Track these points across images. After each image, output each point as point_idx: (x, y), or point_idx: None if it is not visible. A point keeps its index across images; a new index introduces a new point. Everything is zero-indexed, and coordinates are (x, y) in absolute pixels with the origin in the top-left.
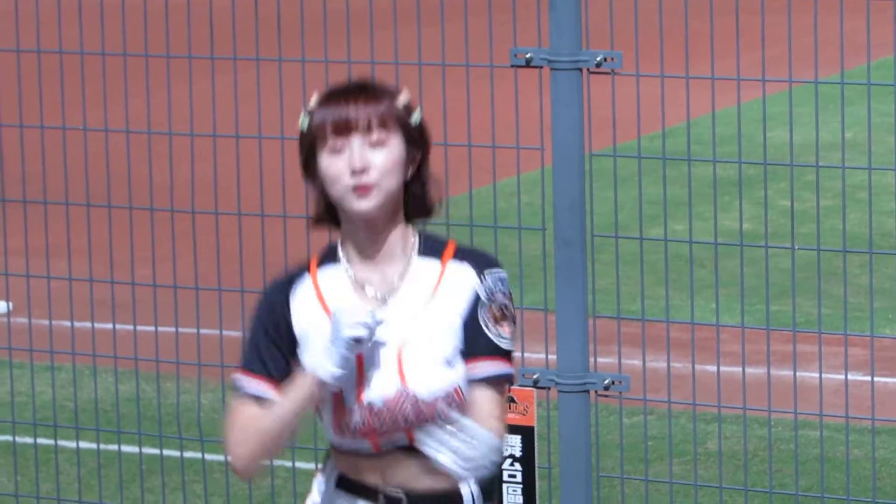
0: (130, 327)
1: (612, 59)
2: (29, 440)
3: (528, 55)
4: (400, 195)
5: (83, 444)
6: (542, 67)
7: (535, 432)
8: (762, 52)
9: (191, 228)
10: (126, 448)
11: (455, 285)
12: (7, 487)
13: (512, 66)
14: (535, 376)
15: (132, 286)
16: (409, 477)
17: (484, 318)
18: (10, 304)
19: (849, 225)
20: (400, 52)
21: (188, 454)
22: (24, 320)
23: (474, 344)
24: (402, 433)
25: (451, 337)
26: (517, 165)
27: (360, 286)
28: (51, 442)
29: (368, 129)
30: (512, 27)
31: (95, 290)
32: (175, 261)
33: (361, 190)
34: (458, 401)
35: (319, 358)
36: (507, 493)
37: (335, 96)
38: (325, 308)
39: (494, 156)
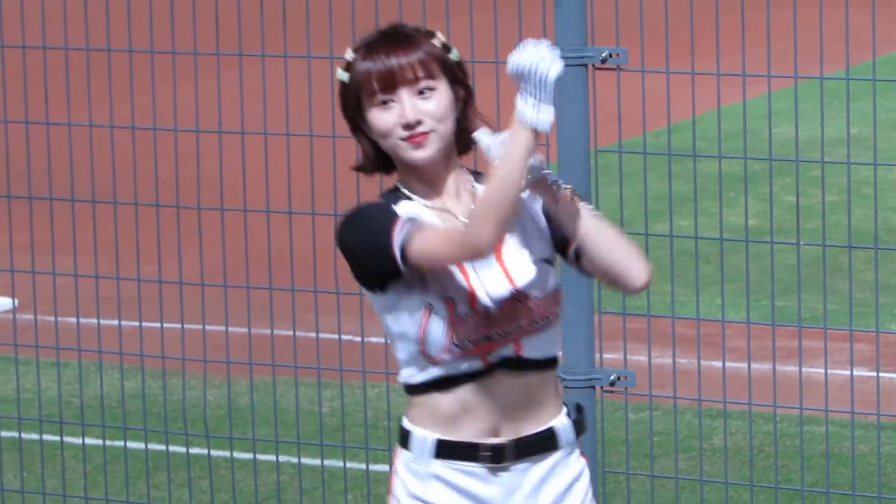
0: (136, 324)
1: (618, 55)
2: (35, 436)
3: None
4: (450, 139)
5: (89, 441)
6: None
7: None
8: (767, 47)
9: (196, 225)
10: (132, 444)
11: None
12: (13, 484)
13: None
14: None
15: (138, 283)
16: (509, 413)
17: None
18: (16, 300)
19: (854, 220)
20: None
21: (194, 450)
22: (30, 317)
23: (562, 213)
24: (510, 343)
25: (543, 237)
26: None
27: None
28: (56, 438)
29: (415, 79)
30: (517, 23)
31: (101, 287)
32: (181, 257)
33: (416, 140)
34: (559, 305)
35: (528, 110)
36: None
37: (374, 48)
38: None
39: None
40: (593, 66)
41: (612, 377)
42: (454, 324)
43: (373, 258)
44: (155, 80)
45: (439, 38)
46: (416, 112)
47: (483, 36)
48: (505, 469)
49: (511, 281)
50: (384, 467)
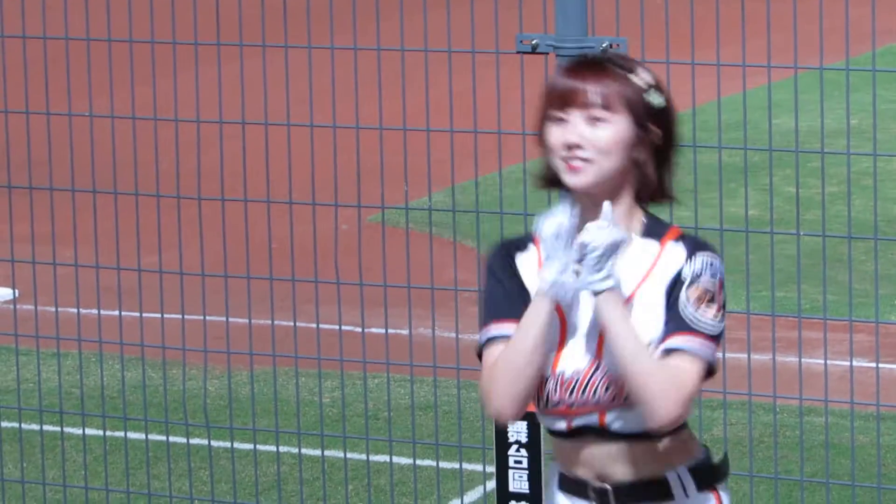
0: (136, 314)
1: (618, 45)
2: (35, 427)
3: (533, 41)
4: (625, 175)
5: (89, 431)
6: (547, 54)
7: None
8: (768, 38)
9: (197, 215)
10: (132, 435)
11: (667, 266)
12: (13, 474)
13: (518, 52)
14: None
15: (138, 273)
16: (607, 464)
17: (684, 298)
18: (16, 290)
19: (854, 211)
20: (406, 38)
21: (194, 441)
22: (30, 307)
23: (670, 320)
24: (593, 413)
25: (657, 320)
26: (523, 152)
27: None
28: (57, 429)
29: (589, 105)
30: (518, 13)
31: (101, 277)
32: (181, 248)
33: (572, 165)
34: None
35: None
36: (513, 479)
37: (571, 67)
38: None
39: (500, 142)
40: None
41: None
42: (539, 381)
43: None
44: (155, 70)
45: (643, 78)
46: (578, 136)
47: (484, 26)
48: None
49: (599, 356)
50: (384, 458)
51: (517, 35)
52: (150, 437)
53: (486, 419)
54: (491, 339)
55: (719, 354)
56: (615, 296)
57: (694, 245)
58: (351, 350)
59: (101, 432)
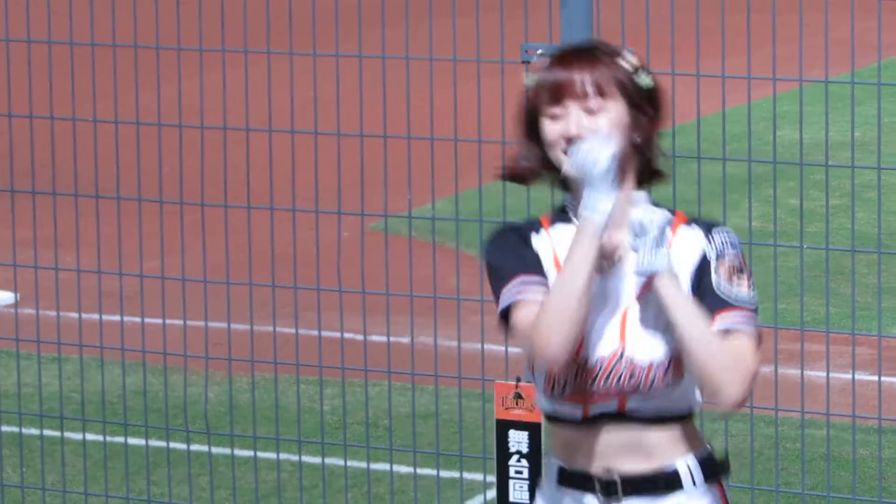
0: (138, 319)
1: None
2: (35, 431)
3: (539, 51)
4: (627, 160)
5: (89, 436)
6: None
7: (543, 428)
8: (773, 50)
9: (200, 221)
10: (132, 440)
11: (685, 249)
12: (13, 479)
13: (523, 61)
14: None
15: (140, 278)
16: (619, 454)
17: (716, 277)
18: (18, 294)
19: (857, 224)
20: (411, 46)
21: (194, 447)
22: (32, 311)
23: (707, 302)
24: (613, 399)
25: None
26: None
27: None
28: (57, 433)
29: (585, 95)
30: (523, 22)
31: (103, 282)
32: (184, 253)
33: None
34: (675, 374)
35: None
36: (514, 490)
37: (557, 59)
38: (557, 264)
39: (504, 151)
40: None
41: None
42: (552, 368)
43: (493, 293)
44: (160, 75)
45: (629, 60)
46: (579, 127)
47: (490, 35)
48: (619, 503)
49: (623, 343)
50: (384, 466)
51: (522, 45)
52: (151, 442)
53: (487, 428)
54: (525, 297)
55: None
56: (673, 276)
57: (707, 225)
58: (352, 358)
59: (101, 437)
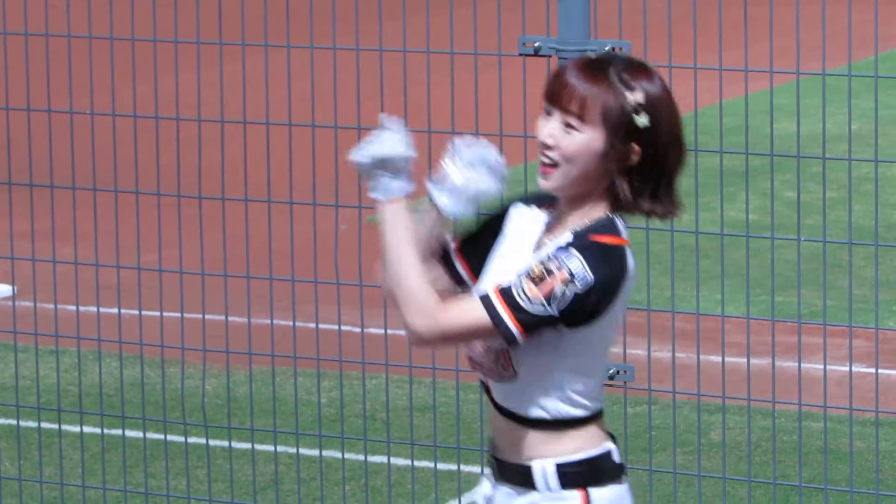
0: (136, 312)
1: (621, 48)
2: (32, 424)
3: (536, 44)
4: (597, 183)
5: (87, 429)
6: (550, 56)
7: None
8: (770, 43)
9: (197, 214)
10: (130, 433)
11: (547, 242)
12: (10, 471)
13: (520, 54)
14: None
15: (138, 271)
16: (501, 440)
17: (526, 268)
18: (16, 287)
19: (854, 217)
20: (409, 39)
21: (192, 440)
22: (29, 304)
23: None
24: (488, 379)
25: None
26: (524, 154)
27: (542, 236)
28: (54, 426)
29: (566, 109)
30: (521, 15)
31: (101, 275)
32: (181, 246)
33: (542, 165)
34: (504, 361)
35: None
36: None
37: (576, 62)
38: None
39: (502, 144)
40: None
41: (611, 371)
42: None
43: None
44: (157, 68)
45: (635, 96)
46: (550, 137)
47: (486, 28)
48: (498, 483)
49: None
50: (382, 458)
51: (519, 37)
52: (148, 435)
53: (484, 420)
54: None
55: (518, 335)
56: (399, 205)
57: (581, 242)
58: (350, 350)
59: (98, 430)
